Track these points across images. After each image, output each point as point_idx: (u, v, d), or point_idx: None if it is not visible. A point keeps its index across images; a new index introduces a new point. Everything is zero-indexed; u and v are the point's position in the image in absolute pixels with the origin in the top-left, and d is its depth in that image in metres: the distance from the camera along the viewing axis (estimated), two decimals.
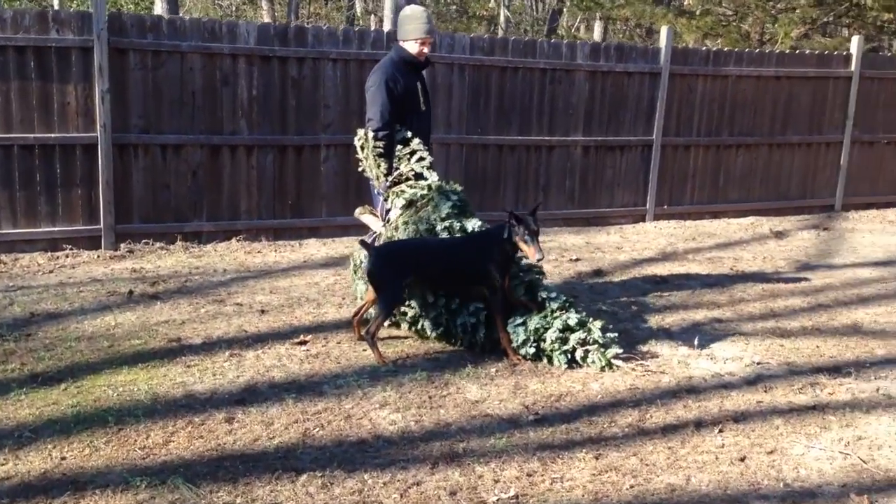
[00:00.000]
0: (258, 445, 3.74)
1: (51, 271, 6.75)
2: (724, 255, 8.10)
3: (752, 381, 4.62)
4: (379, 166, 5.36)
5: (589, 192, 9.51)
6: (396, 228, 5.30)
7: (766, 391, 4.49)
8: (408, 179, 5.41)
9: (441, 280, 5.05)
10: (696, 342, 5.23)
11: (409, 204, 5.33)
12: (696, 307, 6.11)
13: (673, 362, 4.91)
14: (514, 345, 4.87)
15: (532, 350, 4.83)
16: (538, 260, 4.82)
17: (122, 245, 7.48)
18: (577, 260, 7.71)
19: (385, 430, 3.94)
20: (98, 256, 7.27)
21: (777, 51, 10.71)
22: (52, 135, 7.13)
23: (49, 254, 7.21)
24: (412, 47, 5.55)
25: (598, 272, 7.21)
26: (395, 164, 5.41)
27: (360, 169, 5.53)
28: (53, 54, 7.03)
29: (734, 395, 4.43)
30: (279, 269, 7.10)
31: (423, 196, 5.37)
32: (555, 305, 4.90)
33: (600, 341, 4.81)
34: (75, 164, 7.27)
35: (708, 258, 7.97)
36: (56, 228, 7.29)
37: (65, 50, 7.05)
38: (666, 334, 5.44)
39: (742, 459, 3.69)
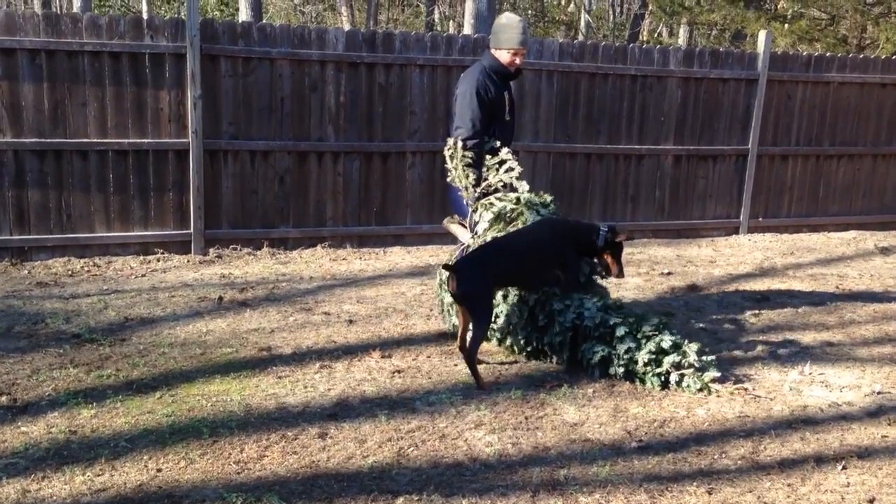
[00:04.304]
0: (352, 464, 3.63)
1: (143, 275, 6.83)
2: (826, 272, 7.69)
3: (874, 413, 4.30)
4: (468, 176, 5.21)
5: (680, 202, 9.18)
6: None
7: (890, 424, 4.16)
8: (496, 190, 5.26)
9: (526, 276, 4.95)
10: (806, 367, 4.91)
11: (498, 217, 5.17)
12: (802, 328, 5.77)
13: (783, 389, 4.61)
14: (594, 362, 4.67)
15: (621, 370, 4.61)
16: (618, 278, 5.08)
17: (211, 250, 7.53)
18: (668, 274, 7.42)
19: (481, 453, 3.78)
20: (188, 261, 7.33)
21: (882, 56, 10.17)
22: (146, 140, 7.23)
23: (141, 257, 7.30)
24: (504, 57, 5.40)
25: (692, 287, 6.91)
26: (483, 175, 5.27)
27: (448, 179, 5.39)
28: (147, 60, 7.13)
29: (855, 427, 4.12)
30: (364, 277, 7.03)
31: (512, 210, 5.20)
32: (647, 328, 4.66)
33: (696, 365, 4.56)
34: (167, 169, 7.35)
35: (809, 275, 7.57)
36: (148, 232, 7.39)
37: (158, 56, 7.14)
38: (772, 357, 5.14)
39: (871, 501, 3.40)
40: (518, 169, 5.17)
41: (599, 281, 5.26)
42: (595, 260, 5.10)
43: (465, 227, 5.31)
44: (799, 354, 5.19)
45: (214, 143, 7.43)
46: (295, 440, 3.83)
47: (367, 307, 6.08)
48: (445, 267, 4.80)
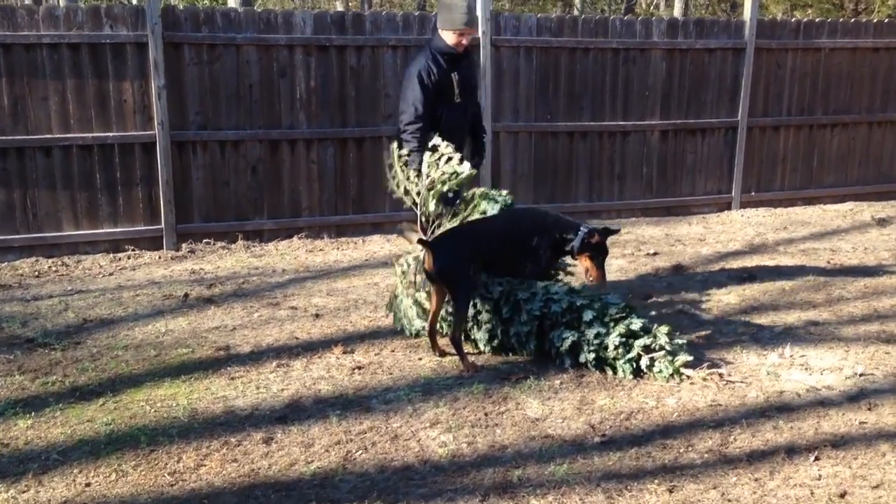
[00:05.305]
0: (294, 471, 3.44)
1: (111, 273, 6.65)
2: (819, 247, 7.42)
3: (854, 397, 4.06)
4: (408, 178, 4.88)
5: (668, 179, 8.91)
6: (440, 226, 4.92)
7: (870, 409, 3.93)
8: (443, 183, 5.02)
9: (498, 260, 4.77)
10: (787, 349, 4.68)
11: (448, 199, 4.97)
12: (788, 307, 5.53)
13: (761, 373, 4.38)
14: (563, 349, 4.45)
15: (592, 356, 4.39)
16: (600, 286, 4.79)
17: (184, 245, 7.34)
18: (654, 254, 7.18)
19: (434, 454, 3.58)
20: (160, 257, 7.14)
21: (875, 20, 9.84)
22: (111, 134, 7.03)
23: (111, 255, 7.12)
24: (450, 38, 5.23)
25: (677, 267, 6.67)
26: (427, 172, 5.01)
27: (389, 191, 5.11)
28: (108, 51, 6.91)
29: (833, 413, 3.89)
30: (339, 268, 6.83)
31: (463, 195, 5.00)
32: (613, 311, 4.46)
33: (668, 348, 4.34)
34: (134, 163, 7.15)
35: (801, 250, 7.32)
36: (118, 229, 7.20)
37: (119, 46, 6.92)
38: (753, 339, 4.91)
39: (842, 496, 3.18)
40: (457, 155, 4.90)
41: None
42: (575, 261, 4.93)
43: (416, 231, 5.11)
44: (781, 335, 4.96)
45: (182, 135, 7.22)
46: (238, 447, 3.64)
47: (336, 300, 5.88)
48: (421, 242, 4.59)
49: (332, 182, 7.78)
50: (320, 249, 7.47)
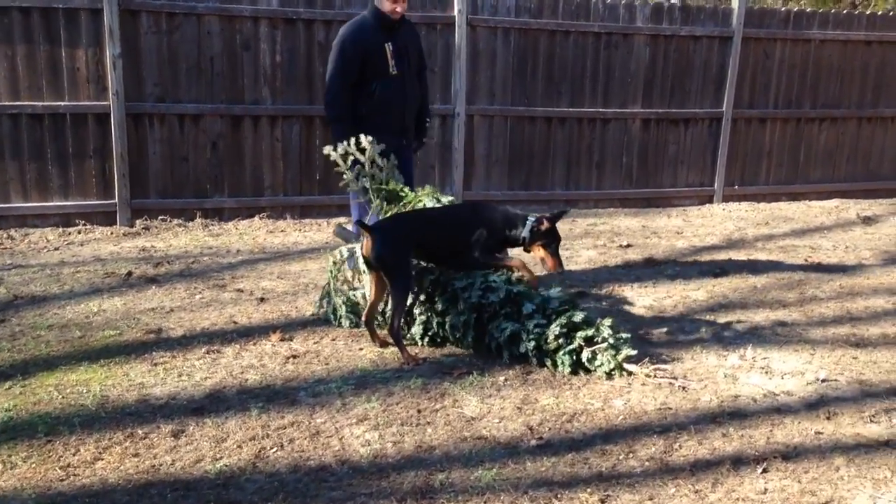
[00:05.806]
0: (198, 469, 3.16)
1: (56, 248, 6.37)
2: (799, 244, 7.15)
3: (813, 405, 3.79)
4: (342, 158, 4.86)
5: (649, 169, 8.63)
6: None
7: (828, 418, 3.66)
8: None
9: (439, 251, 4.51)
10: (748, 351, 4.41)
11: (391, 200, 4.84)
12: (756, 306, 5.26)
13: (718, 375, 4.11)
14: (502, 340, 4.18)
15: (532, 345, 4.10)
16: (559, 273, 4.57)
17: (138, 221, 7.06)
18: (627, 246, 6.91)
19: (354, 454, 3.31)
20: (112, 233, 6.86)
21: (867, 12, 9.53)
22: (62, 103, 6.73)
23: (61, 229, 6.84)
24: (385, 5, 5.07)
25: (649, 261, 6.40)
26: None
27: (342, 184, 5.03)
28: (61, 16, 6.60)
29: (788, 422, 3.62)
30: (297, 250, 6.55)
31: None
32: (555, 304, 4.21)
33: (611, 341, 4.07)
34: (87, 134, 6.86)
35: (780, 247, 7.04)
36: (69, 203, 6.91)
37: (73, 11, 6.62)
38: (715, 339, 4.63)
39: None
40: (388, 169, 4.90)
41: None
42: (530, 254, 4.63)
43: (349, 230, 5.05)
44: (745, 336, 4.68)
45: (138, 107, 6.92)
46: (143, 439, 3.37)
47: (286, 283, 5.61)
48: (360, 224, 4.41)
49: (296, 161, 7.49)
50: (281, 230, 7.20)
